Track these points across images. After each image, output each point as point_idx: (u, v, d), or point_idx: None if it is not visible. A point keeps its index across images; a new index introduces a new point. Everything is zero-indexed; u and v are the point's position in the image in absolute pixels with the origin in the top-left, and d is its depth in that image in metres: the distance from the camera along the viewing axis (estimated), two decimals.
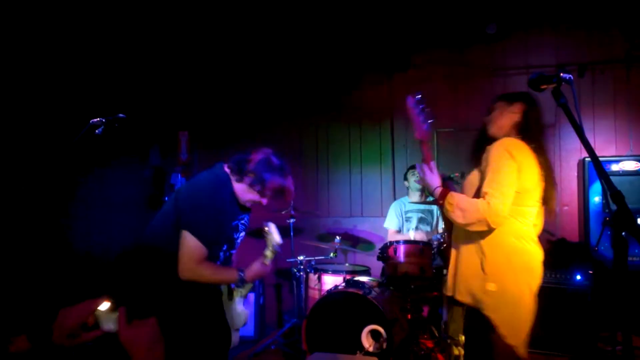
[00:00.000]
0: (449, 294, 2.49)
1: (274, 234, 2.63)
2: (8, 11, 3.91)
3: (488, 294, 2.30)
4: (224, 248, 2.58)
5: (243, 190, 2.53)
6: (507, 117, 2.45)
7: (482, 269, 2.33)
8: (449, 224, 2.56)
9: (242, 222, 2.67)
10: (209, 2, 5.35)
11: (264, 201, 2.54)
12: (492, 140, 2.42)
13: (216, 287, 2.62)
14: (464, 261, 2.42)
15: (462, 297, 2.40)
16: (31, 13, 4.18)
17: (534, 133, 2.42)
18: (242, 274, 2.49)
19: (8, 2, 3.91)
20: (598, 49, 5.04)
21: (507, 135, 2.43)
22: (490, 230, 2.29)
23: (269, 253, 2.61)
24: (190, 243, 2.32)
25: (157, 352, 1.38)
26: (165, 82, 5.49)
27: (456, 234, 2.50)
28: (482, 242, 2.34)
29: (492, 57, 5.27)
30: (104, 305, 1.41)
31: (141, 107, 3.07)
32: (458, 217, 2.29)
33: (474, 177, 2.43)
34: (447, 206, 2.31)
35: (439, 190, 2.37)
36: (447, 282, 2.52)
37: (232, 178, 2.52)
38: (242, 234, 2.71)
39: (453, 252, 2.51)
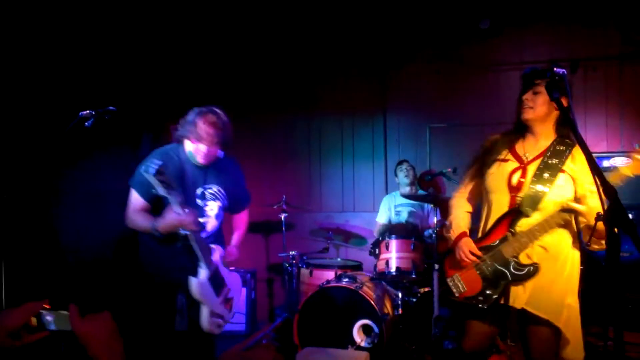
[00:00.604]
0: (519, 306, 2.23)
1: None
2: None
3: (570, 308, 2.21)
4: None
5: (191, 148, 2.66)
6: (549, 107, 2.25)
7: (566, 281, 2.23)
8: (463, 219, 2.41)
9: (211, 191, 2.74)
10: None
11: (204, 146, 2.60)
12: (524, 124, 2.32)
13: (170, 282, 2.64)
14: (550, 272, 2.22)
15: (537, 310, 2.20)
16: (16, 3, 4.12)
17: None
18: (155, 224, 2.48)
19: None
20: (591, 45, 5.05)
21: (547, 125, 2.29)
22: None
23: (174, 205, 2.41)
24: (130, 195, 2.62)
25: (116, 345, 1.39)
26: (156, 73, 5.43)
27: (543, 243, 2.23)
28: (573, 252, 2.26)
29: (485, 53, 5.26)
30: (46, 307, 1.40)
31: (131, 98, 3.05)
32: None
33: (565, 182, 2.22)
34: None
35: None
36: (510, 293, 2.26)
37: (183, 143, 2.70)
38: (215, 204, 2.76)
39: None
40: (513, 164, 2.32)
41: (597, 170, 1.36)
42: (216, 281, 2.69)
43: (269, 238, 5.54)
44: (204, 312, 2.64)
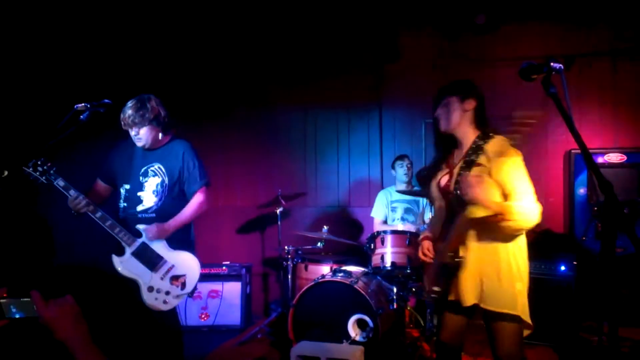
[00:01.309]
0: (469, 303, 2.30)
1: None
2: None
3: (521, 294, 2.28)
4: (125, 186, 3.07)
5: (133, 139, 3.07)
6: (460, 114, 2.41)
7: (514, 270, 2.28)
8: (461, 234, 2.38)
9: (152, 168, 3.06)
10: None
11: (131, 129, 3.00)
12: (445, 135, 2.45)
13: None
14: (492, 266, 2.29)
15: (491, 305, 2.27)
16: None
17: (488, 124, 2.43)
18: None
19: None
20: (585, 41, 5.07)
21: (464, 129, 2.41)
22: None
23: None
24: None
25: (81, 327, 1.45)
26: (145, 70, 5.38)
27: (476, 240, 2.31)
28: (510, 244, 2.30)
29: (481, 48, 5.26)
30: (4, 296, 1.45)
31: (125, 93, 3.05)
32: (521, 224, 2.20)
33: (481, 173, 2.28)
34: (515, 216, 2.17)
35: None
36: (459, 290, 2.32)
37: None
38: (155, 179, 3.04)
39: (472, 260, 2.31)
40: (444, 171, 2.49)
41: (593, 166, 1.37)
42: (146, 257, 2.91)
43: (264, 232, 5.54)
44: (142, 288, 2.88)
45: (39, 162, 2.73)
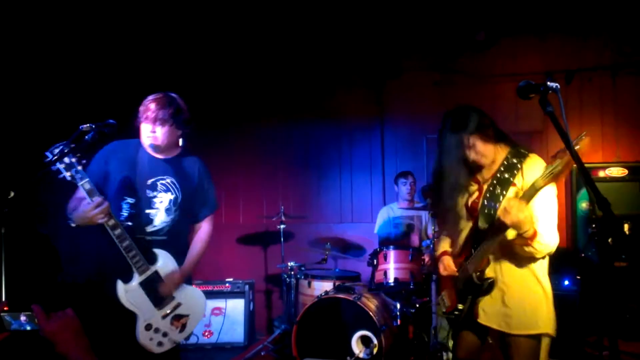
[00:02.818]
0: (497, 327, 2.26)
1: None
2: None
3: (549, 313, 2.26)
4: (127, 200, 2.54)
5: (142, 135, 2.55)
6: (489, 147, 2.27)
7: (541, 293, 2.25)
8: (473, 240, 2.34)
9: (164, 182, 2.59)
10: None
11: (149, 124, 2.50)
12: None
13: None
14: (521, 291, 2.24)
15: (517, 329, 2.23)
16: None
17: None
18: (70, 212, 2.40)
19: None
20: (585, 56, 5.11)
21: (495, 154, 2.30)
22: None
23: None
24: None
25: (82, 341, 1.43)
26: (152, 82, 5.43)
27: (507, 262, 2.26)
28: (534, 264, 2.25)
29: (481, 64, 5.31)
30: (6, 309, 1.45)
31: (128, 107, 3.05)
32: (539, 253, 2.15)
33: (515, 196, 2.18)
34: (536, 245, 2.11)
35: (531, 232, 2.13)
36: (487, 312, 2.29)
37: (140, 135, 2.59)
38: (167, 196, 2.58)
39: (503, 282, 2.26)
40: (473, 188, 2.37)
41: (589, 181, 1.39)
42: (154, 290, 2.46)
43: (267, 249, 5.55)
44: (138, 323, 2.43)
45: (66, 150, 2.21)
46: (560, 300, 3.94)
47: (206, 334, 4.79)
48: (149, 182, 2.56)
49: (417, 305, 4.13)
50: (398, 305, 3.98)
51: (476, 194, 2.36)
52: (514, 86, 1.77)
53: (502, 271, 2.27)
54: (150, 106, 2.49)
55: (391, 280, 4.00)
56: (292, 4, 5.18)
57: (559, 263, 4.25)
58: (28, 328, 1.45)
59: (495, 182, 2.27)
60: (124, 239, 2.37)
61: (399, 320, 3.93)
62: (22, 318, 1.44)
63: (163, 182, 2.59)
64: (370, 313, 3.62)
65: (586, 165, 1.52)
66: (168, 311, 2.50)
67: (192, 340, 4.70)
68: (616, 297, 4.02)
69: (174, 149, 2.67)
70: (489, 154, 2.27)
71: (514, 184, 2.22)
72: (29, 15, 4.51)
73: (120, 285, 2.42)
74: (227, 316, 4.83)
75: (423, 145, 5.36)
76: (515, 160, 2.25)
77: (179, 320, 2.53)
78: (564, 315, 3.92)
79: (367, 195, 5.57)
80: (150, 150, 2.59)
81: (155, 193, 2.56)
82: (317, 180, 5.67)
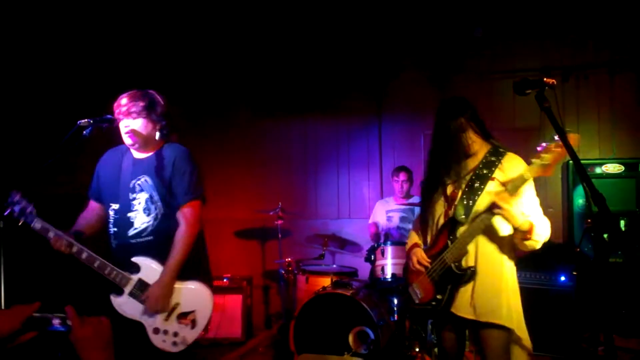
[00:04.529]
0: (465, 315, 2.34)
1: None
2: None
3: (516, 308, 2.34)
4: (112, 207, 2.57)
5: (122, 135, 2.55)
6: (473, 134, 2.40)
7: (512, 286, 2.36)
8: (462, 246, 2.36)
9: (139, 182, 2.53)
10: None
11: (124, 118, 2.49)
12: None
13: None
14: (491, 281, 2.33)
15: (491, 317, 2.30)
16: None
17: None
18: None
19: None
20: (582, 54, 5.13)
21: (478, 145, 2.41)
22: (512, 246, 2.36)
23: None
24: None
25: (111, 353, 1.36)
26: (150, 75, 5.43)
27: (486, 252, 2.35)
28: (506, 257, 2.36)
29: (478, 62, 5.32)
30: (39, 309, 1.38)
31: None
32: (538, 244, 2.27)
33: (494, 188, 2.32)
34: (535, 237, 2.24)
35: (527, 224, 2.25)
36: (469, 301, 2.35)
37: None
38: (143, 195, 2.52)
39: (481, 271, 2.34)
40: (449, 180, 2.47)
41: (585, 178, 1.40)
42: (144, 298, 2.45)
43: (265, 245, 5.56)
44: (147, 330, 2.46)
45: (15, 200, 2.39)
46: (557, 296, 3.98)
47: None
48: (130, 184, 2.55)
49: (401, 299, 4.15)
50: (395, 301, 3.99)
51: (454, 185, 2.46)
52: (511, 83, 1.78)
53: (478, 261, 2.34)
54: (121, 101, 2.48)
55: (388, 275, 4.02)
56: (291, 0, 5.19)
57: (555, 259, 4.29)
58: (60, 330, 1.39)
59: (474, 177, 2.39)
60: (93, 261, 2.42)
61: (396, 316, 3.95)
62: (55, 321, 1.39)
63: (139, 182, 2.55)
64: (368, 309, 3.63)
65: (582, 161, 1.53)
66: (167, 313, 2.46)
67: None
68: (612, 293, 4.05)
69: (154, 145, 2.58)
70: (476, 145, 2.40)
71: (493, 179, 2.34)
72: (25, 13, 4.50)
73: (113, 299, 2.47)
74: (224, 312, 4.84)
75: (420, 141, 5.37)
76: (493, 158, 2.39)
77: (186, 317, 2.49)
78: (561, 311, 3.96)
79: (365, 192, 5.58)
80: (133, 150, 2.59)
81: (134, 195, 2.54)
82: (315, 176, 5.68)
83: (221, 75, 5.69)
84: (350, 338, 3.67)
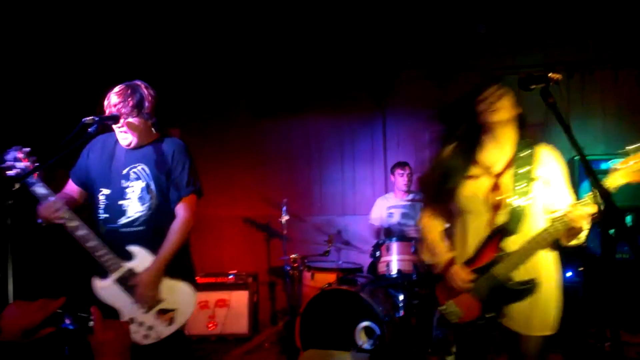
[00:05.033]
0: (517, 329, 2.16)
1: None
2: None
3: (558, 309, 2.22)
4: (103, 192, 2.53)
5: (116, 132, 2.53)
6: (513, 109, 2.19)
7: (560, 289, 2.21)
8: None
9: (135, 169, 2.52)
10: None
11: (119, 128, 2.48)
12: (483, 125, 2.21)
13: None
14: (547, 289, 2.16)
15: (540, 331, 2.16)
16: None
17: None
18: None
19: None
20: (587, 50, 5.10)
21: (510, 128, 2.22)
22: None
23: None
24: None
25: (126, 358, 1.33)
26: (154, 79, 5.44)
27: (535, 261, 2.14)
28: (553, 258, 2.21)
29: (482, 58, 5.29)
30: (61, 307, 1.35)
31: None
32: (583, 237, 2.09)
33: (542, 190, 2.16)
34: (583, 233, 2.07)
35: None
36: (523, 317, 2.16)
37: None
38: (138, 184, 2.51)
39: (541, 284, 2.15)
40: (485, 180, 2.20)
41: (591, 173, 1.39)
42: (131, 286, 2.41)
43: (270, 241, 5.56)
44: (121, 317, 2.41)
45: (18, 155, 2.30)
46: (564, 292, 3.96)
47: (210, 325, 4.82)
48: (124, 172, 2.52)
49: (420, 297, 4.15)
50: (401, 297, 4.00)
51: (493, 188, 2.18)
52: (515, 80, 1.78)
53: (534, 271, 2.13)
54: (114, 99, 2.43)
55: (394, 272, 4.02)
56: None
57: (561, 254, 4.27)
58: (70, 328, 1.34)
59: (515, 178, 2.16)
60: (88, 240, 2.36)
61: (402, 312, 3.95)
62: (67, 319, 1.37)
63: (135, 170, 2.52)
64: (373, 304, 3.64)
65: (588, 157, 1.52)
66: (148, 306, 2.43)
67: (198, 331, 4.74)
68: (619, 289, 4.03)
69: (149, 136, 2.57)
70: (507, 121, 2.17)
71: (536, 178, 2.14)
72: (23, 12, 4.51)
73: (95, 282, 2.43)
74: (231, 308, 4.86)
75: (425, 137, 5.35)
76: (527, 152, 2.19)
77: (165, 314, 2.45)
78: (568, 306, 3.94)
79: (369, 188, 5.58)
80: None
81: (128, 183, 2.51)
82: (320, 172, 5.68)
83: (221, 75, 5.69)
84: (356, 334, 3.68)
